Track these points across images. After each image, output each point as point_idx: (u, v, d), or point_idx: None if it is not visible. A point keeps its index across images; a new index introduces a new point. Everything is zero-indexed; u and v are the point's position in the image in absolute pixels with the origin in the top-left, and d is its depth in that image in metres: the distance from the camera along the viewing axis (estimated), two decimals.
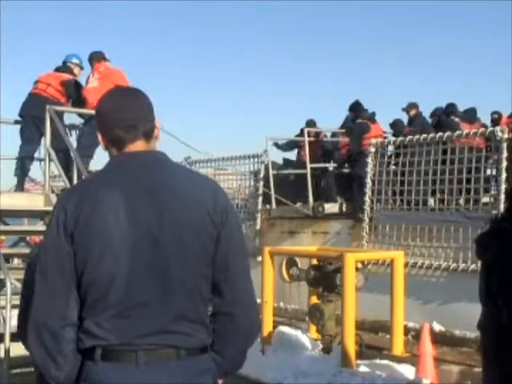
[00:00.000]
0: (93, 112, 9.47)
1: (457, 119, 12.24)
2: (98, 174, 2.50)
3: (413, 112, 12.77)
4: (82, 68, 10.33)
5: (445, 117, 12.53)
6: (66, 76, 10.03)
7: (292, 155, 14.47)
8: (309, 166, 12.63)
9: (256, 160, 13.02)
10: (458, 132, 10.48)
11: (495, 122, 12.26)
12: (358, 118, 12.56)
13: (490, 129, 10.07)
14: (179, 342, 2.26)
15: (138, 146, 2.37)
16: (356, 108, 12.81)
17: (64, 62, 10.33)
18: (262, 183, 12.83)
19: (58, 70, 10.19)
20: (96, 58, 10.09)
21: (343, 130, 13.54)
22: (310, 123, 14.01)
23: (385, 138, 12.22)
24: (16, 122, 9.82)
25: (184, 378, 2.26)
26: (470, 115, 12.58)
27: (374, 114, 12.69)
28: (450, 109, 12.67)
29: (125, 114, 2.35)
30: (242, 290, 2.38)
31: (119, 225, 2.22)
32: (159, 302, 2.23)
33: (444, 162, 10.28)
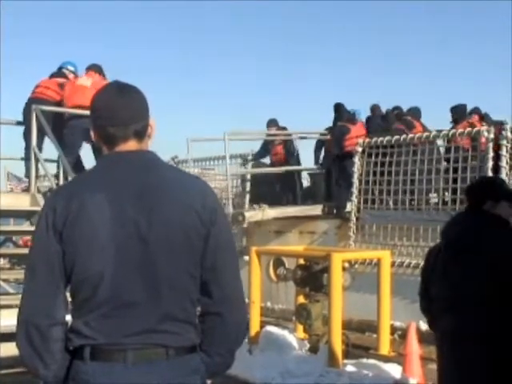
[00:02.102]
0: (74, 111, 9.40)
1: (409, 118, 12.38)
2: (87, 173, 2.51)
3: (376, 112, 12.90)
4: (76, 76, 10.46)
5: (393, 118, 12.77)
6: (62, 80, 10.26)
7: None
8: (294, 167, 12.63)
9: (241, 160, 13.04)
10: (443, 132, 10.54)
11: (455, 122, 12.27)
12: (338, 120, 12.60)
13: (476, 129, 10.11)
14: (168, 341, 2.25)
15: (129, 145, 2.35)
16: (338, 110, 12.82)
17: (59, 68, 10.58)
18: (248, 183, 12.82)
19: (52, 75, 10.41)
20: (95, 68, 10.26)
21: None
22: (272, 123, 13.71)
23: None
24: (18, 123, 9.90)
25: (173, 377, 2.25)
26: (416, 113, 12.71)
27: (354, 114, 12.71)
28: (397, 110, 12.92)
29: (116, 113, 2.32)
30: (231, 290, 2.37)
31: (107, 225, 2.21)
32: (147, 302, 2.22)
33: (431, 161, 10.33)
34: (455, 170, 10.06)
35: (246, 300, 8.18)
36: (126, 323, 2.22)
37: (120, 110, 2.32)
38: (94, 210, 2.22)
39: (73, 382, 2.26)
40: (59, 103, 9.85)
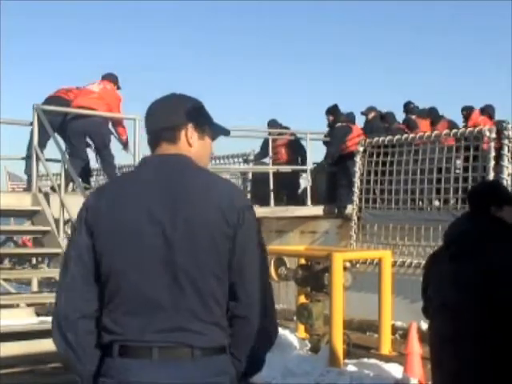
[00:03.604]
0: (78, 111, 9.44)
1: (413, 116, 12.42)
2: (123, 174, 2.73)
3: (371, 115, 12.82)
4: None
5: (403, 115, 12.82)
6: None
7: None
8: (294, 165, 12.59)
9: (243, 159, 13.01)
10: (445, 131, 10.53)
11: (466, 118, 12.28)
12: (336, 121, 12.57)
13: (478, 128, 10.10)
14: (193, 341, 2.26)
15: (163, 148, 2.45)
16: (334, 112, 12.80)
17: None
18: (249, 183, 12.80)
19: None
20: (110, 78, 10.36)
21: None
22: (272, 123, 13.68)
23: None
24: (31, 124, 9.88)
25: (198, 378, 2.26)
26: (423, 113, 12.76)
27: (350, 114, 12.74)
28: (409, 107, 12.93)
29: (148, 121, 2.51)
30: (259, 293, 2.35)
31: (133, 223, 2.29)
32: (170, 301, 2.26)
33: (432, 160, 10.33)
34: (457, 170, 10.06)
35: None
36: (150, 321, 2.26)
37: (150, 117, 2.51)
38: (123, 208, 2.32)
39: (104, 377, 2.31)
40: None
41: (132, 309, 2.27)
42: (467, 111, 12.20)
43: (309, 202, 12.24)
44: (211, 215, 2.29)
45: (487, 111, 12.07)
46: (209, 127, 2.54)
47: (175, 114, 2.47)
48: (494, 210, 3.64)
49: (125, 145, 10.31)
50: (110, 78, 10.38)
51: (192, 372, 2.25)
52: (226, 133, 2.68)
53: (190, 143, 2.46)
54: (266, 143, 13.43)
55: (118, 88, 10.39)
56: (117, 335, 2.28)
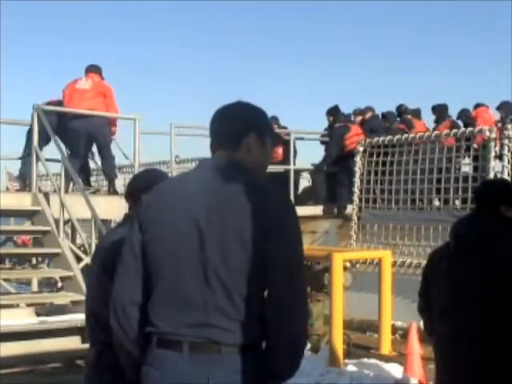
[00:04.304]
0: (78, 111, 9.49)
1: (409, 116, 12.42)
2: (181, 174, 2.84)
3: (368, 114, 12.83)
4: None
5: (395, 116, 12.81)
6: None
7: None
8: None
9: None
10: (446, 131, 10.53)
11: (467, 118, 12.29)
12: (336, 122, 12.59)
13: (478, 128, 10.10)
14: (220, 338, 2.33)
15: (224, 153, 2.55)
16: (334, 112, 12.80)
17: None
18: None
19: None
20: (94, 70, 10.29)
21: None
22: (272, 120, 13.63)
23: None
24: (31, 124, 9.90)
25: (225, 375, 2.32)
26: (418, 113, 12.82)
27: (349, 115, 12.76)
28: (402, 108, 12.90)
29: (217, 125, 2.62)
30: (290, 298, 2.37)
31: (174, 221, 2.42)
32: (200, 296, 2.35)
33: (432, 160, 10.32)
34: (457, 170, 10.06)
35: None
36: (182, 314, 2.37)
37: (215, 122, 2.63)
38: (167, 207, 2.46)
39: (147, 366, 2.44)
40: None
41: (168, 302, 2.40)
42: (473, 109, 12.22)
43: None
44: (246, 216, 2.35)
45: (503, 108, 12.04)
46: (270, 137, 2.64)
47: (240, 122, 2.58)
48: (503, 210, 3.63)
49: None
50: (95, 69, 10.27)
51: (218, 369, 2.32)
52: (275, 143, 2.78)
53: (251, 150, 2.55)
54: None
55: (103, 79, 10.30)
56: (154, 327, 2.42)
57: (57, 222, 8.29)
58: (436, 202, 10.52)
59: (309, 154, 12.99)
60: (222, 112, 2.63)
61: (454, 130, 10.56)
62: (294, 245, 2.42)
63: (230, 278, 2.33)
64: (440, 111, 12.59)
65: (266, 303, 2.38)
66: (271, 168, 12.64)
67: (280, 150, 13.17)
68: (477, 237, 3.57)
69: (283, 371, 2.44)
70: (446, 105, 12.74)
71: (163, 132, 12.20)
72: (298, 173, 13.78)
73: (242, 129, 2.56)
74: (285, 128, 13.63)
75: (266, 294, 2.39)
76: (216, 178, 2.45)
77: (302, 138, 14.00)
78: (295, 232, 2.43)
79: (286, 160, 13.10)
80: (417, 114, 12.70)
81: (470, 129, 10.30)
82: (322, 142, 13.29)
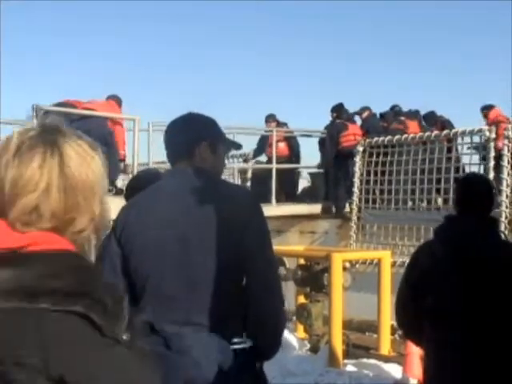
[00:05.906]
0: (78, 111, 9.51)
1: (402, 118, 12.42)
2: (151, 187, 2.88)
3: (365, 114, 12.82)
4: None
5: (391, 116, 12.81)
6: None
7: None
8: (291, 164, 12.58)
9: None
10: (445, 131, 10.53)
11: (485, 116, 12.25)
12: (338, 119, 12.60)
13: (478, 128, 10.10)
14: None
15: (182, 163, 2.71)
16: (338, 110, 12.79)
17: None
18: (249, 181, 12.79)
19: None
20: (116, 99, 10.70)
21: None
22: (270, 118, 13.41)
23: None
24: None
25: (215, 348, 2.46)
26: (413, 113, 12.81)
27: (353, 114, 12.75)
28: (396, 109, 12.96)
29: (170, 137, 2.80)
30: (271, 280, 2.60)
31: (151, 228, 2.55)
32: (184, 297, 2.49)
33: (431, 160, 10.32)
34: (456, 170, 10.05)
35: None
36: (167, 313, 2.49)
37: (168, 134, 2.81)
38: (143, 217, 2.60)
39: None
40: None
41: (154, 303, 2.50)
42: (486, 110, 12.19)
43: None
44: (220, 218, 2.51)
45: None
46: (221, 143, 2.82)
47: (191, 132, 2.75)
48: (483, 209, 3.62)
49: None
50: (116, 99, 10.66)
51: (208, 340, 2.46)
52: (238, 147, 3.14)
53: (204, 158, 2.71)
54: (262, 140, 13.38)
55: (120, 109, 10.69)
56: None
57: None
58: (436, 202, 10.52)
59: (310, 153, 12.96)
60: (174, 124, 2.81)
61: (454, 130, 10.57)
62: (266, 237, 2.63)
63: (213, 279, 2.48)
64: (428, 119, 12.61)
65: (246, 288, 2.54)
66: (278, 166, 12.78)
67: (282, 145, 13.15)
68: (469, 237, 3.56)
69: (267, 349, 2.64)
70: (433, 111, 12.78)
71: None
72: (298, 173, 13.82)
73: (193, 139, 2.73)
74: (285, 124, 13.62)
75: (245, 281, 2.55)
76: (187, 187, 2.61)
77: (310, 136, 14.01)
78: (264, 227, 2.64)
79: (292, 156, 13.12)
80: (412, 115, 12.67)
81: (468, 128, 10.31)
82: (319, 140, 13.29)
